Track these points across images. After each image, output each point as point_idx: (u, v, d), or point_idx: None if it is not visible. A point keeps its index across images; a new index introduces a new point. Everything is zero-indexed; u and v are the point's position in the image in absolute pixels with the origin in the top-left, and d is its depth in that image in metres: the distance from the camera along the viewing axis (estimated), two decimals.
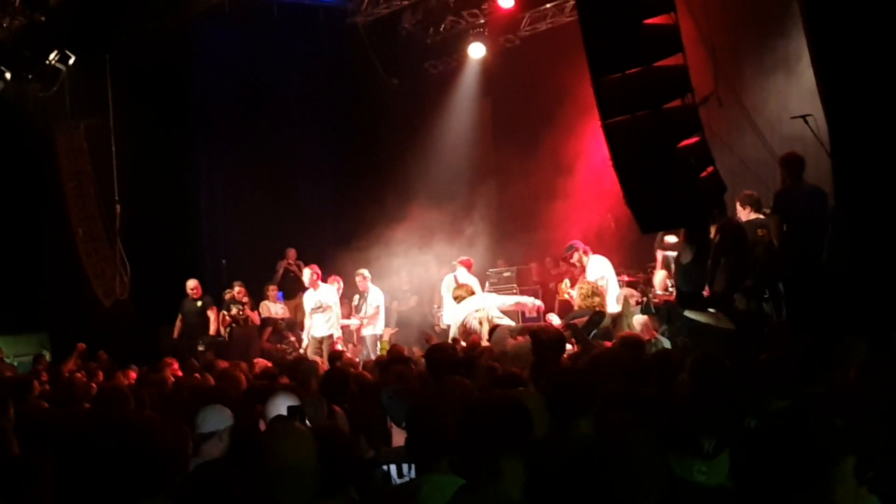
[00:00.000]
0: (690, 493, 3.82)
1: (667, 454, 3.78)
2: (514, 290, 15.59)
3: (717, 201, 9.32)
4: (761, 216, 10.22)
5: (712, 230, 9.78)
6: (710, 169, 8.82)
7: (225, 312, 15.66)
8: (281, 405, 5.70)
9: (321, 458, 3.68)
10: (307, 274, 14.91)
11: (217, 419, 5.62)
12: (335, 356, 11.43)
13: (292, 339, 15.57)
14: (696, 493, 3.85)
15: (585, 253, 12.89)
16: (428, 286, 16.97)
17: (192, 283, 15.79)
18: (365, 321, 15.27)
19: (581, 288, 12.23)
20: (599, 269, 12.69)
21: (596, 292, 12.06)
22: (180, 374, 10.72)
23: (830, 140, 9.03)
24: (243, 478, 3.77)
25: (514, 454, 3.57)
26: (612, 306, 12.14)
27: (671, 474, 3.84)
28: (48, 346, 18.75)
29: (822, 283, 9.11)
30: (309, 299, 14.86)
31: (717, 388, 5.09)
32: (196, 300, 15.71)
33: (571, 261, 13.13)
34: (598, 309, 11.83)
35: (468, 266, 14.72)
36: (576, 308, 12.25)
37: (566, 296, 13.63)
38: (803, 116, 10.20)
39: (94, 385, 9.47)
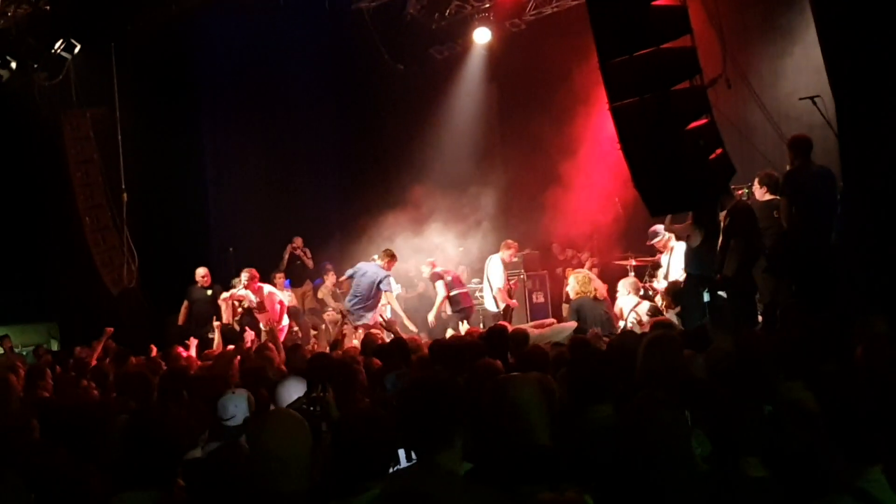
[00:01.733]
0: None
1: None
2: (521, 276, 15.61)
3: (725, 183, 9.30)
4: (777, 198, 10.12)
5: (721, 213, 9.76)
6: (718, 151, 8.80)
7: (236, 303, 15.56)
8: (292, 390, 5.71)
9: (365, 443, 3.60)
10: (244, 276, 14.86)
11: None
12: (336, 344, 11.38)
13: (295, 328, 15.52)
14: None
15: (669, 239, 12.63)
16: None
17: (201, 272, 15.69)
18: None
19: (577, 276, 12.33)
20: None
21: (592, 279, 12.19)
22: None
23: (838, 121, 9.00)
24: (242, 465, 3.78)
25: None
26: None
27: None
28: (57, 336, 18.83)
29: (831, 263, 9.09)
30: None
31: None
32: (206, 289, 15.63)
33: (659, 247, 12.95)
34: (593, 295, 11.92)
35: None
36: (573, 296, 12.29)
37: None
38: (811, 98, 10.15)
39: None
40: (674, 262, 12.42)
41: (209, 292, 15.55)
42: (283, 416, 3.88)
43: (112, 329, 13.17)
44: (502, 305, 14.40)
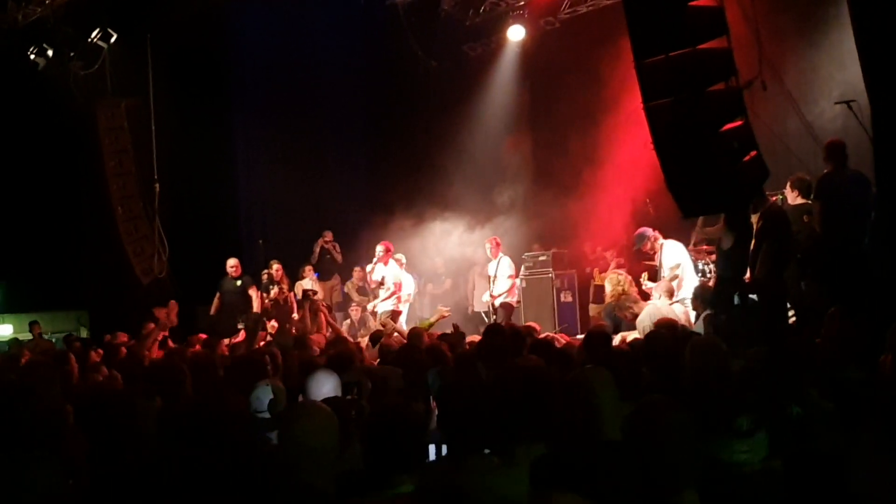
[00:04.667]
0: (736, 475, 3.79)
1: (704, 438, 3.74)
2: (550, 274, 15.61)
3: (759, 186, 9.24)
4: (808, 202, 10.08)
5: (754, 216, 9.71)
6: (752, 153, 8.75)
7: (264, 294, 15.60)
8: (322, 382, 5.71)
9: (396, 435, 3.65)
10: (379, 250, 14.99)
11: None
12: (377, 336, 11.32)
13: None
14: (741, 474, 3.83)
15: (655, 239, 12.61)
16: (462, 269, 16.97)
17: (231, 262, 15.79)
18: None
19: (611, 278, 12.28)
20: (674, 257, 12.41)
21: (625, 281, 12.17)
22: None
23: (873, 125, 8.93)
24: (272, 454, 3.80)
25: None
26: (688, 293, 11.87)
27: (717, 459, 3.81)
28: (86, 324, 18.96)
29: (864, 268, 9.03)
30: (377, 274, 15.02)
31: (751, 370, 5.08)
32: (235, 279, 15.69)
33: (645, 250, 12.85)
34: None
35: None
36: (608, 298, 12.27)
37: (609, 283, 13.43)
38: (847, 102, 10.09)
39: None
40: (665, 260, 12.42)
41: (238, 283, 15.62)
42: (314, 409, 3.88)
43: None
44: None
